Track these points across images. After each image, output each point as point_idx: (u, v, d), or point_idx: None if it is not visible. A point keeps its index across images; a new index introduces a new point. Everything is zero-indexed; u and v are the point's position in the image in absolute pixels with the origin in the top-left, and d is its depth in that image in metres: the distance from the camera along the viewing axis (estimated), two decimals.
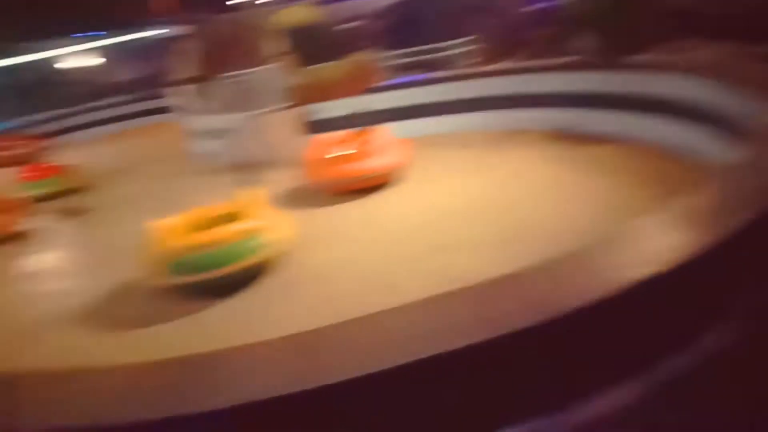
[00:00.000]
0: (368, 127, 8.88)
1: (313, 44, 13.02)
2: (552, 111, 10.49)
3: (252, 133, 12.11)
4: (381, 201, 8.51)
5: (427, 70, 12.87)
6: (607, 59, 9.29)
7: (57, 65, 35.53)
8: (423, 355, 2.55)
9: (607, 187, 7.36)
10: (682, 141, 7.96)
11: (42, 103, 26.41)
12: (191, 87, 13.57)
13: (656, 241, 3.16)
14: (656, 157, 8.18)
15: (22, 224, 10.40)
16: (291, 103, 12.40)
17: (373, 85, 12.28)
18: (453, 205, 7.66)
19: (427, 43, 12.64)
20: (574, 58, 10.14)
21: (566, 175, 8.10)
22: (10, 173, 13.17)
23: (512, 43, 12.32)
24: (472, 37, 11.99)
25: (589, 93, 9.66)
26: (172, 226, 6.53)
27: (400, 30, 15.66)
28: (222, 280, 6.02)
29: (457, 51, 12.12)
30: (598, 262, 3.02)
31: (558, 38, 10.91)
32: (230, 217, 6.74)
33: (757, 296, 3.22)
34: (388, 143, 9.14)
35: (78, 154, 18.43)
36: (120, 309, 6.30)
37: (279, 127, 12.04)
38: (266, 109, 12.03)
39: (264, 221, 6.42)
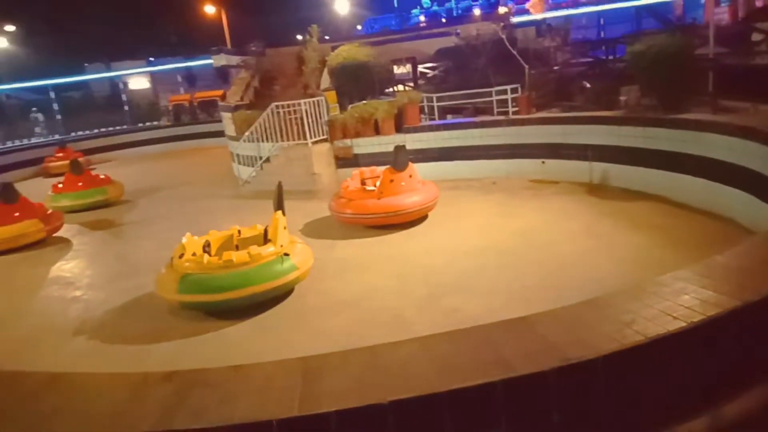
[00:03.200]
0: (401, 165, 8.88)
1: (360, 81, 13.29)
2: (591, 163, 10.31)
3: (288, 162, 12.32)
4: (405, 238, 8.43)
5: (468, 114, 12.91)
6: (652, 115, 9.10)
7: (125, 86, 37.65)
8: (416, 393, 2.42)
9: (639, 242, 7.08)
10: (722, 202, 7.64)
11: (101, 119, 27.85)
12: (242, 113, 14.00)
13: (683, 297, 2.95)
14: (693, 216, 7.88)
15: (60, 232, 10.80)
16: (331, 136, 12.62)
17: (413, 124, 12.36)
18: (475, 248, 7.51)
19: (471, 88, 12.71)
20: (619, 111, 9.99)
21: (597, 227, 7.86)
22: (55, 182, 13.77)
23: (556, 93, 12.26)
24: (516, 85, 11.99)
25: (631, 147, 9.45)
26: (197, 245, 6.59)
27: (447, 73, 15.86)
28: (239, 302, 5.99)
29: (500, 97, 12.12)
30: (620, 313, 2.83)
31: (604, 91, 10.78)
32: (255, 241, 6.77)
33: None
34: (419, 182, 9.11)
35: (124, 169, 19.17)
36: (134, 321, 6.33)
37: (316, 158, 12.21)
38: (305, 141, 12.25)
39: (286, 248, 6.40)
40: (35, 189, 13.61)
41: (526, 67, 12.25)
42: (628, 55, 10.17)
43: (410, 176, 8.97)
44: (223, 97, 27.18)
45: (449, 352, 2.75)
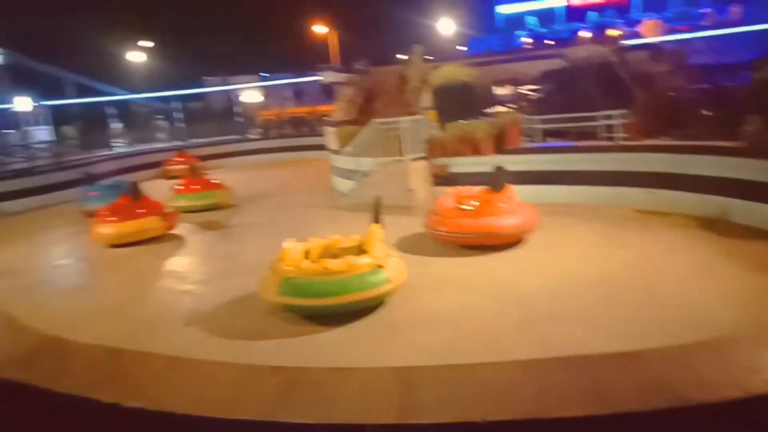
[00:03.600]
0: (499, 186, 8.78)
1: (461, 101, 13.37)
2: (703, 195, 9.59)
3: (386, 178, 12.60)
4: (500, 260, 8.30)
5: (571, 138, 12.53)
6: None
7: (238, 98, 40.56)
8: (515, 417, 2.40)
9: (760, 285, 6.46)
10: None
11: (216, 129, 30.09)
12: (344, 129, 14.59)
13: None
14: None
15: (175, 229, 11.77)
16: (429, 154, 12.75)
17: (514, 146, 12.20)
18: (574, 276, 7.23)
19: (575, 112, 12.35)
20: (742, 142, 9.23)
21: (711, 265, 7.28)
22: (171, 185, 15.05)
23: (670, 120, 11.58)
24: (627, 110, 11.48)
25: (756, 181, 8.69)
26: (297, 251, 6.92)
27: (550, 96, 15.53)
28: (333, 308, 6.20)
29: (608, 122, 11.66)
30: (744, 359, 2.63)
31: (724, 120, 10.02)
32: (351, 251, 6.98)
33: None
34: (516, 205, 8.95)
35: (234, 176, 20.51)
36: (237, 317, 6.74)
37: (413, 174, 12.39)
38: (405, 157, 12.48)
39: (381, 260, 6.55)
40: (156, 189, 14.92)
41: (637, 91, 11.69)
42: (755, 82, 9.42)
43: (508, 198, 8.85)
44: (311, 114, 28.56)
45: (551, 379, 2.69)
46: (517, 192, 9.19)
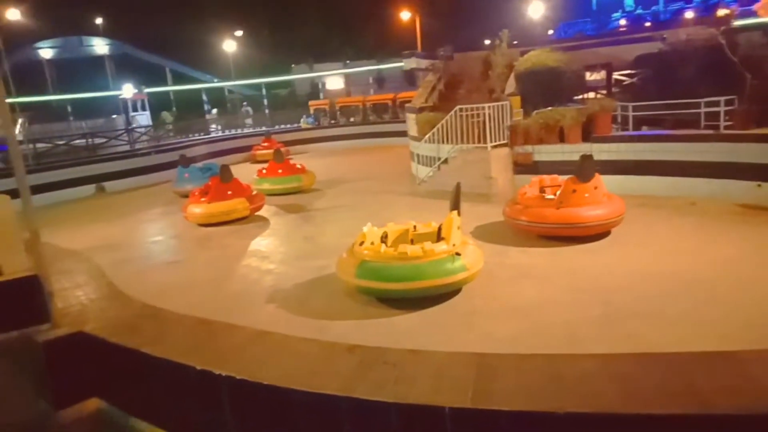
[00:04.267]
0: (586, 176, 8.41)
1: (547, 87, 12.89)
2: None
3: (465, 165, 12.44)
4: (582, 253, 7.98)
5: (668, 126, 11.73)
6: None
7: (323, 85, 41.55)
8: (595, 410, 2.33)
9: None
10: None
11: (300, 115, 31.00)
12: (425, 115, 14.52)
13: None
14: None
15: (259, 211, 12.33)
16: (512, 142, 12.43)
17: (603, 134, 11.62)
18: (663, 273, 6.80)
19: (674, 98, 11.53)
20: None
21: None
22: (259, 168, 15.72)
23: None
24: (732, 96, 10.56)
25: None
26: (375, 235, 7.03)
27: (646, 82, 14.58)
28: (409, 293, 6.25)
29: (710, 110, 10.80)
30: None
31: None
32: (429, 238, 7.00)
33: None
34: (604, 195, 8.55)
35: (316, 161, 21.08)
36: (316, 297, 6.96)
37: (494, 162, 12.15)
38: (485, 144, 12.26)
39: (458, 247, 6.51)
40: (243, 172, 15.64)
41: (748, 76, 10.73)
42: None
43: (595, 188, 8.46)
44: (392, 101, 28.56)
45: (633, 375, 2.59)
46: (605, 182, 8.76)
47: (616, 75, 15.68)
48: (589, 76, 16.00)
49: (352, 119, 29.30)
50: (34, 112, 36.28)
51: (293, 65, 45.23)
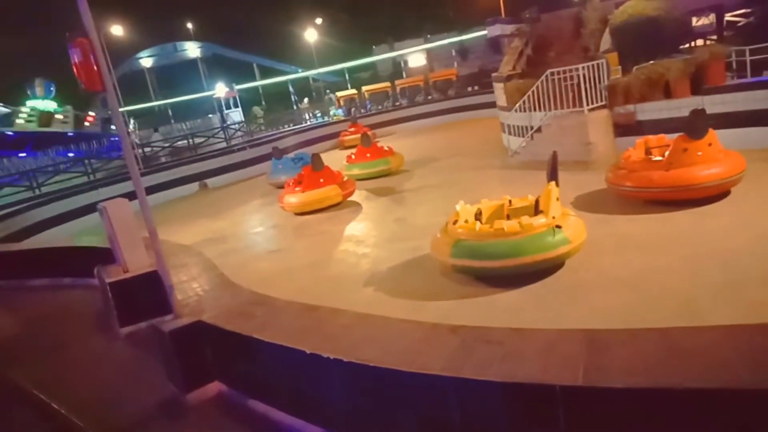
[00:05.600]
0: (698, 132, 7.65)
1: (647, 39, 11.87)
2: None
3: (561, 132, 11.82)
4: (697, 217, 7.32)
5: None
6: None
7: (405, 64, 41.32)
8: (721, 386, 2.11)
9: None
10: None
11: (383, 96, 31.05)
12: (514, 83, 13.95)
13: None
14: None
15: (351, 196, 12.52)
16: (611, 102, 11.62)
17: (716, 84, 10.53)
18: None
19: None
20: None
21: None
22: (348, 154, 15.95)
23: None
24: None
25: None
26: (469, 213, 6.88)
27: (765, 20, 12.98)
28: (508, 270, 6.07)
29: None
30: None
31: None
32: (526, 212, 6.74)
33: None
34: (719, 152, 7.75)
35: (403, 142, 21.07)
36: (412, 279, 6.98)
37: (592, 126, 11.44)
38: (581, 108, 11.56)
39: (558, 220, 6.21)
40: (333, 159, 15.97)
41: None
42: None
43: (709, 145, 7.69)
44: (425, 82, 27.67)
45: (764, 347, 2.30)
46: (720, 137, 7.94)
47: (728, 17, 14.11)
48: (696, 22, 14.53)
49: (429, 96, 28.83)
50: (142, 119, 39.42)
51: (374, 47, 45.28)
